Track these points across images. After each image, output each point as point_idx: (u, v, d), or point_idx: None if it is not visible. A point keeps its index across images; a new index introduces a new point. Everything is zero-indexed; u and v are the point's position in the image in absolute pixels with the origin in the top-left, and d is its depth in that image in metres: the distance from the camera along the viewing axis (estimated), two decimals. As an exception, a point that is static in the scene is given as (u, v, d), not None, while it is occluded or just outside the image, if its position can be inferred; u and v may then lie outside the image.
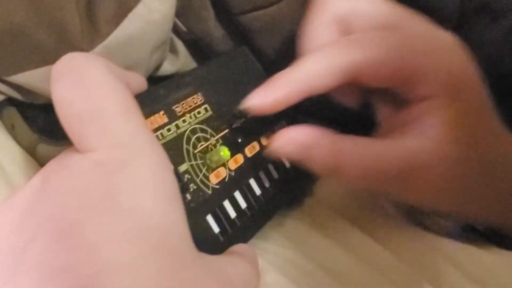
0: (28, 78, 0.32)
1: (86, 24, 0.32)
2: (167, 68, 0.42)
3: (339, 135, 0.31)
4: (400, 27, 0.33)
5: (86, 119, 0.24)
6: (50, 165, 0.25)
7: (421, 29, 0.33)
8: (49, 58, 0.31)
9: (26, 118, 0.34)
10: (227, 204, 0.31)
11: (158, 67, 0.41)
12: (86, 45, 0.32)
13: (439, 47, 0.32)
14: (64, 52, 0.31)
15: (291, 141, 0.30)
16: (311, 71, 0.31)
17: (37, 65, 0.32)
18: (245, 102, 0.31)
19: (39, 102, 0.34)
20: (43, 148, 0.33)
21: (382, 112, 0.35)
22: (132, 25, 0.33)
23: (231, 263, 0.27)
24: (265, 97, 0.31)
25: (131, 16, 0.33)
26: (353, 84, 0.32)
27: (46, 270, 0.21)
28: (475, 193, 0.32)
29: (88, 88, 0.24)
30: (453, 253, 0.33)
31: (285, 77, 0.31)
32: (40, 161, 0.33)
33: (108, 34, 0.33)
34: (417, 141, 0.31)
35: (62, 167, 0.24)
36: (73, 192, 0.22)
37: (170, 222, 0.23)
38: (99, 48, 0.32)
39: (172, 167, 0.25)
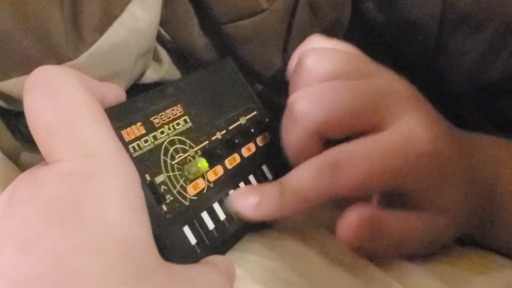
0: (12, 85, 0.32)
1: (71, 33, 0.32)
2: (151, 76, 0.42)
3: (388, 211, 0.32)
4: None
5: (54, 130, 0.24)
6: (20, 176, 0.25)
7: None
8: (34, 66, 0.31)
9: (9, 125, 0.34)
10: (205, 215, 0.31)
11: (141, 74, 0.41)
12: (71, 53, 0.32)
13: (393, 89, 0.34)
14: (49, 60, 0.32)
15: (356, 226, 0.31)
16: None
17: (22, 73, 0.32)
18: (234, 203, 0.33)
19: (22, 109, 0.34)
20: (26, 156, 0.33)
21: None
22: (116, 33, 0.34)
23: (202, 272, 0.27)
24: (260, 212, 0.32)
25: (115, 24, 0.33)
26: None
27: (11, 281, 0.21)
28: (458, 190, 0.33)
29: (57, 99, 0.25)
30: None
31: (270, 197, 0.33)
32: (23, 169, 0.33)
33: (93, 42, 0.33)
34: (439, 218, 0.33)
35: (29, 178, 0.24)
36: (38, 204, 0.23)
37: (135, 234, 0.23)
38: (84, 56, 0.32)
39: (139, 179, 0.26)
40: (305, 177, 0.31)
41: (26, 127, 0.34)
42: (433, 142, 0.31)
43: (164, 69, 0.43)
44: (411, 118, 0.32)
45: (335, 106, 0.32)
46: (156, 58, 0.43)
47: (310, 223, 0.37)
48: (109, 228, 0.22)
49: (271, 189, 0.32)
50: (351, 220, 0.31)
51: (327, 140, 0.33)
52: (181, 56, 0.44)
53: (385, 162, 0.30)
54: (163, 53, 0.43)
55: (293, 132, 0.33)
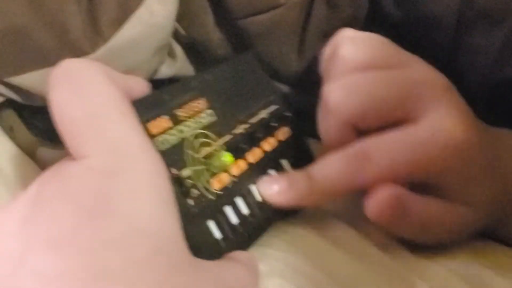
0: (28, 80, 0.32)
1: (89, 27, 0.32)
2: (165, 71, 0.42)
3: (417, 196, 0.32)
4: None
5: (81, 125, 0.24)
6: (47, 173, 0.25)
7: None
8: (51, 60, 0.31)
9: (25, 120, 0.34)
10: (229, 210, 0.31)
11: (156, 70, 0.41)
12: (88, 47, 0.32)
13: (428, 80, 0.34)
14: (66, 54, 0.32)
15: (383, 205, 0.31)
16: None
17: (38, 67, 0.31)
18: (264, 189, 0.33)
19: (38, 104, 0.34)
20: (43, 151, 0.33)
21: None
22: (134, 28, 0.33)
23: (228, 268, 0.27)
24: (283, 195, 0.33)
25: (133, 19, 0.33)
26: None
27: (42, 278, 0.21)
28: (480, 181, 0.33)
29: (84, 94, 0.24)
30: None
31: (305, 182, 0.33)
32: (40, 164, 0.33)
33: (110, 36, 0.32)
34: (467, 209, 0.33)
35: (57, 174, 0.24)
36: (66, 200, 0.22)
37: (165, 228, 0.23)
38: (102, 50, 0.32)
39: (167, 173, 0.25)
40: (333, 166, 0.32)
41: (43, 122, 0.34)
42: (464, 133, 0.31)
43: (178, 65, 0.43)
44: (442, 110, 0.32)
45: (370, 97, 0.32)
46: (171, 54, 0.42)
47: (332, 217, 0.37)
48: (138, 223, 0.22)
49: (300, 176, 0.33)
50: (381, 197, 0.31)
51: (360, 131, 0.33)
52: (195, 52, 0.43)
53: (414, 154, 0.31)
54: (177, 49, 0.43)
55: (328, 122, 0.34)
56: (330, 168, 0.32)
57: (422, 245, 0.35)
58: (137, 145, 0.24)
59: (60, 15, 0.31)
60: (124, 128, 0.24)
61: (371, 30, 0.43)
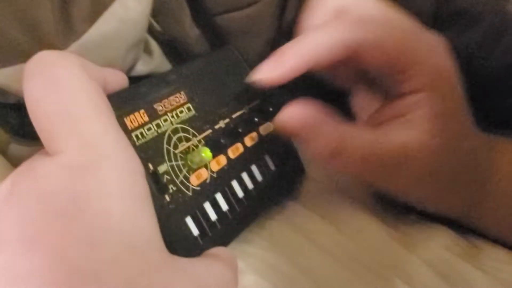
0: (0, 76, 0.31)
1: (61, 23, 0.31)
2: (141, 68, 0.41)
3: (341, 120, 0.32)
4: (396, 24, 0.34)
5: (55, 120, 0.23)
6: (21, 169, 0.25)
7: (414, 29, 0.34)
8: (22, 56, 0.30)
9: (-2, 117, 0.34)
10: (207, 206, 0.31)
11: (132, 67, 0.40)
12: (60, 43, 0.31)
13: (430, 46, 0.34)
14: (38, 50, 0.31)
15: (296, 118, 0.31)
16: (317, 44, 0.32)
17: (10, 63, 0.31)
18: (254, 76, 0.32)
19: (11, 101, 0.33)
20: (15, 148, 0.33)
21: (363, 102, 0.36)
22: (107, 24, 0.33)
23: (207, 265, 0.27)
24: (274, 70, 0.32)
25: (106, 14, 0.33)
26: (349, 66, 0.34)
27: (11, 277, 0.21)
28: (446, 184, 0.34)
29: (58, 88, 0.24)
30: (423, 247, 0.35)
31: (291, 49, 0.32)
32: (12, 161, 0.33)
33: (83, 32, 0.32)
34: (408, 134, 0.32)
35: (30, 171, 0.24)
36: (38, 198, 0.22)
37: (138, 226, 0.23)
38: (74, 46, 0.32)
39: (143, 169, 0.25)
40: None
41: (15, 118, 0.34)
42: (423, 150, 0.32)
43: (155, 62, 0.42)
44: (422, 119, 0.32)
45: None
46: (147, 50, 0.42)
47: (317, 219, 0.37)
48: (110, 221, 0.22)
49: None
50: (292, 107, 0.31)
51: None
52: (172, 48, 0.43)
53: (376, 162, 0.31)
54: (153, 45, 0.42)
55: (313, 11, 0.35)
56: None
57: (402, 235, 0.35)
58: (111, 141, 0.24)
59: (31, 11, 0.31)
60: (98, 123, 0.24)
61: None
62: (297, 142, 0.32)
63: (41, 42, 0.31)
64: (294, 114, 0.31)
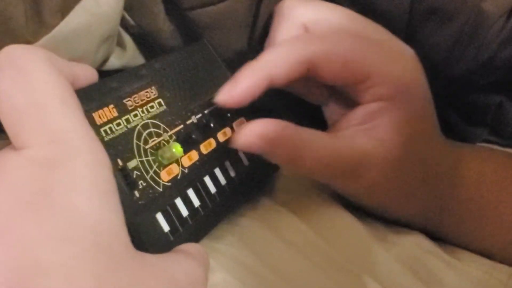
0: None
1: (32, 15, 0.31)
2: (114, 62, 0.41)
3: (299, 127, 0.32)
4: (360, 34, 0.34)
5: (22, 115, 0.23)
6: None
7: (380, 37, 0.35)
8: (-9, 48, 0.30)
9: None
10: (179, 202, 0.31)
11: (104, 61, 0.40)
12: (30, 36, 0.31)
13: (395, 55, 0.34)
14: (7, 44, 0.31)
15: (255, 135, 0.31)
16: (271, 61, 0.33)
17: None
18: (216, 98, 0.32)
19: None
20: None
21: (332, 111, 0.37)
22: (78, 17, 0.33)
23: (176, 261, 0.27)
24: (231, 93, 0.32)
25: (77, 8, 0.33)
26: (314, 80, 0.34)
27: None
28: (404, 192, 0.34)
29: (25, 82, 0.24)
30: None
31: (246, 70, 0.33)
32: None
33: (54, 26, 0.32)
34: (368, 142, 0.33)
35: None
36: (5, 192, 0.22)
37: (104, 221, 0.23)
38: (44, 40, 0.31)
39: (110, 164, 0.25)
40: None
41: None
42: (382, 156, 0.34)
43: (128, 55, 0.42)
44: (383, 128, 0.33)
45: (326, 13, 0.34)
46: (120, 44, 0.42)
47: (290, 216, 0.37)
48: (76, 215, 0.22)
49: None
50: (250, 125, 0.32)
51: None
52: (146, 42, 0.43)
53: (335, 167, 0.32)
54: (127, 39, 0.42)
55: (281, 26, 0.35)
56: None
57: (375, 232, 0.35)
58: (78, 136, 0.24)
59: (2, 4, 0.30)
60: (66, 118, 0.24)
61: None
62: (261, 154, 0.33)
63: (10, 35, 0.31)
64: (253, 131, 0.32)
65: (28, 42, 0.31)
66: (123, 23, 0.40)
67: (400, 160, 0.33)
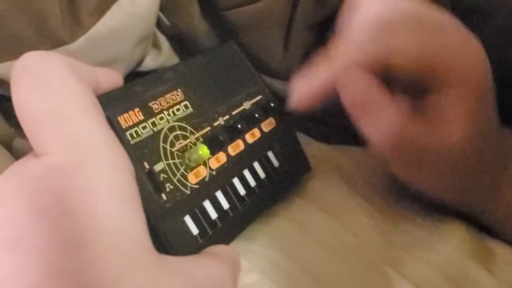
0: (5, 69, 0.31)
1: (68, 16, 0.31)
2: (149, 63, 0.41)
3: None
4: (429, 24, 0.33)
5: (41, 122, 0.23)
6: (11, 169, 0.24)
7: (449, 27, 0.34)
8: (28, 49, 0.30)
9: (2, 111, 0.33)
10: (207, 204, 0.31)
11: (140, 62, 0.40)
12: (67, 37, 0.31)
13: (465, 44, 0.33)
14: (44, 44, 0.31)
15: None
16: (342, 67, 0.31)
17: (16, 56, 0.30)
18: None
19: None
20: (19, 142, 0.32)
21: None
22: (115, 18, 0.33)
23: (200, 263, 0.26)
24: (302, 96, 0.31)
25: (114, 8, 0.33)
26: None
27: None
28: (468, 181, 0.33)
29: (44, 89, 0.24)
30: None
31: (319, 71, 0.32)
32: (16, 155, 0.33)
33: (90, 26, 0.32)
34: (443, 131, 0.31)
35: (18, 172, 0.24)
36: (24, 199, 0.22)
37: (124, 225, 0.23)
38: (81, 40, 0.32)
39: (132, 169, 0.25)
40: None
41: (20, 112, 0.34)
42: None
43: (163, 56, 0.42)
44: (457, 117, 0.32)
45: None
46: (156, 45, 0.42)
47: (322, 217, 0.36)
48: (94, 220, 0.22)
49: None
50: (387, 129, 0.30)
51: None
52: (181, 43, 0.43)
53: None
54: (162, 40, 0.42)
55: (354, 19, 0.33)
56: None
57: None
58: (97, 142, 0.24)
59: (38, 4, 0.30)
60: (84, 123, 0.24)
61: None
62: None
63: (47, 35, 0.31)
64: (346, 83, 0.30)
65: (64, 42, 0.31)
66: (159, 24, 0.40)
67: (471, 150, 0.33)
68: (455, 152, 0.32)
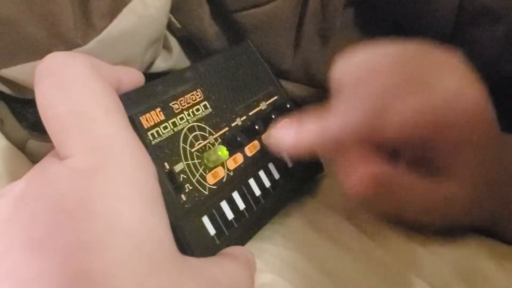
0: (19, 72, 0.31)
1: (80, 18, 0.31)
2: (160, 65, 0.41)
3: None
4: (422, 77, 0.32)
5: (65, 123, 0.23)
6: (34, 171, 0.25)
7: (444, 75, 0.32)
8: (41, 52, 0.30)
9: (16, 113, 0.34)
10: (224, 205, 0.31)
11: (151, 63, 0.40)
12: (79, 39, 0.31)
13: (461, 95, 0.31)
14: (57, 46, 0.31)
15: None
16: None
17: (28, 59, 0.31)
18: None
19: (29, 97, 0.34)
20: (33, 144, 0.32)
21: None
22: (126, 20, 0.33)
23: (219, 265, 0.26)
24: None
25: (125, 10, 0.33)
26: None
27: (20, 279, 0.21)
28: (477, 202, 0.33)
29: (68, 90, 0.24)
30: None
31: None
32: (30, 157, 0.33)
33: (102, 28, 0.32)
34: (453, 185, 0.31)
35: (42, 175, 0.24)
36: (47, 201, 0.22)
37: (146, 227, 0.23)
38: (93, 43, 0.32)
39: (155, 170, 0.25)
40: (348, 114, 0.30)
41: (33, 114, 0.34)
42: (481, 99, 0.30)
43: (174, 58, 0.42)
44: (464, 170, 0.31)
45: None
46: (166, 47, 0.42)
47: (336, 217, 0.36)
48: (118, 222, 0.22)
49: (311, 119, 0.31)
50: (364, 173, 0.29)
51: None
52: (191, 45, 0.43)
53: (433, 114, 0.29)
54: (173, 42, 0.42)
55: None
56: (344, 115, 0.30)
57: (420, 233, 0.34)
58: (120, 142, 0.24)
59: (51, 7, 0.31)
60: (107, 125, 0.24)
61: (368, 27, 0.43)
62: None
63: (60, 38, 0.31)
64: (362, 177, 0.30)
65: (77, 45, 0.31)
66: (169, 26, 0.40)
67: (476, 197, 0.32)
68: (465, 204, 0.32)
